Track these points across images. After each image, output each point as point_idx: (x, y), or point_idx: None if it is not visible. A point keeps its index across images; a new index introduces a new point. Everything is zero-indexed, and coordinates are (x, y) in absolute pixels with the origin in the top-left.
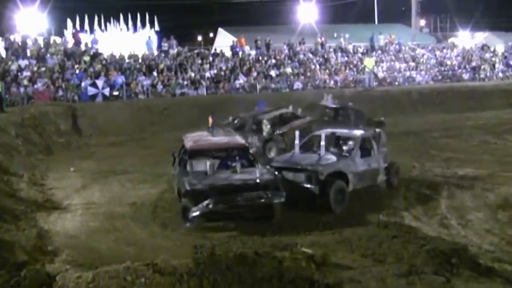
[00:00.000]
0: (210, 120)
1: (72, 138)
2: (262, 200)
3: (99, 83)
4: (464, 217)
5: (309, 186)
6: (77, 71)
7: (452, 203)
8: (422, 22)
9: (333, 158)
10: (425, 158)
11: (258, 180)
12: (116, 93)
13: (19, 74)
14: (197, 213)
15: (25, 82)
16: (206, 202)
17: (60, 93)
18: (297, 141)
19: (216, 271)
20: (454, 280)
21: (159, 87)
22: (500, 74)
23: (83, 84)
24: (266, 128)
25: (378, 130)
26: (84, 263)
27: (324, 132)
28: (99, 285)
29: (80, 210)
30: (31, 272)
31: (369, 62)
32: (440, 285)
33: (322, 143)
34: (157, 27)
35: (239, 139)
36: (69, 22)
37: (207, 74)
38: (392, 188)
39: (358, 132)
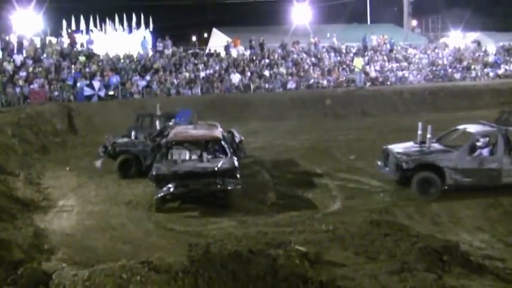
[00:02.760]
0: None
1: (68, 138)
2: (218, 186)
3: (96, 84)
4: (456, 215)
5: (395, 172)
6: (73, 71)
7: (443, 201)
8: (414, 22)
9: (436, 152)
10: None
11: (216, 168)
12: (111, 93)
13: (15, 74)
14: (161, 194)
15: (21, 82)
16: (168, 186)
17: (56, 93)
18: (429, 135)
19: (211, 269)
20: (446, 277)
21: (154, 87)
22: (491, 74)
23: (78, 84)
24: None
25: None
26: (80, 261)
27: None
28: (95, 283)
29: (76, 209)
30: (28, 270)
31: (358, 62)
32: (432, 282)
33: (428, 135)
34: (152, 28)
35: (214, 132)
36: (64, 23)
37: (202, 74)
38: None
39: (476, 129)
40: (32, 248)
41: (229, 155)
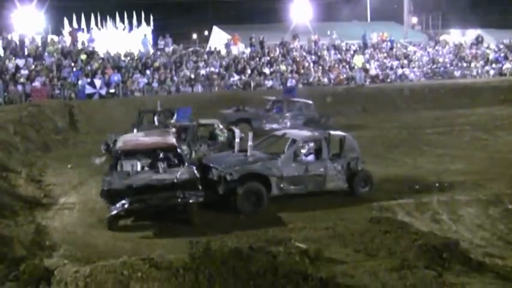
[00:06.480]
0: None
1: (69, 136)
2: (179, 200)
3: (97, 82)
4: (456, 212)
5: (218, 185)
6: (74, 70)
7: (443, 199)
8: (415, 20)
9: (259, 160)
10: (417, 154)
11: (175, 180)
12: (112, 91)
13: (17, 72)
14: (114, 212)
15: (23, 80)
16: (122, 202)
17: (57, 91)
18: (250, 143)
19: (211, 266)
20: (446, 274)
21: (155, 84)
22: (491, 71)
23: (80, 82)
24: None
25: (334, 133)
26: (82, 258)
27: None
28: (96, 280)
29: (77, 206)
30: (29, 266)
31: (358, 60)
32: (431, 279)
33: (250, 142)
34: (152, 26)
35: (168, 139)
36: (65, 21)
37: (202, 72)
38: (358, 198)
39: (298, 135)
40: (34, 245)
41: (186, 164)
